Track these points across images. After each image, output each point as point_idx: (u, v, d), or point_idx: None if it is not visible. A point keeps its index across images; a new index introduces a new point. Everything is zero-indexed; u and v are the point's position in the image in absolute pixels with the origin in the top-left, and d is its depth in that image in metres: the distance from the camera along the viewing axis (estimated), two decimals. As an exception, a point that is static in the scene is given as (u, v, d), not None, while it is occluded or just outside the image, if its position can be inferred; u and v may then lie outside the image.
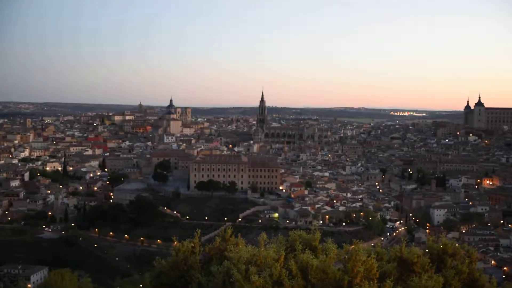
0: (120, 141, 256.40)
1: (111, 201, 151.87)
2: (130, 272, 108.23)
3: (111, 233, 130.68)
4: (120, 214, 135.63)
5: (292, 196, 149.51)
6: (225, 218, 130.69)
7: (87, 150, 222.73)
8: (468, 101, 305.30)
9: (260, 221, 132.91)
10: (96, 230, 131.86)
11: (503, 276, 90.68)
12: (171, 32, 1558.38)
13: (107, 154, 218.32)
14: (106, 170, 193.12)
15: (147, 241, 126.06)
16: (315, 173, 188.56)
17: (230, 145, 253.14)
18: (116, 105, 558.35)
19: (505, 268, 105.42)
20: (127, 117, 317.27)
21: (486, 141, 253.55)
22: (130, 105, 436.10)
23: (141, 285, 73.96)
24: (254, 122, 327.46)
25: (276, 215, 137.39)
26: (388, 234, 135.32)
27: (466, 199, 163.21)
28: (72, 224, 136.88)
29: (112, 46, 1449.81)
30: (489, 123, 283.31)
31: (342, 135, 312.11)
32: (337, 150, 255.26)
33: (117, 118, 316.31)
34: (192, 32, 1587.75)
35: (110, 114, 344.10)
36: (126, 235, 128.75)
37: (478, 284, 11.87)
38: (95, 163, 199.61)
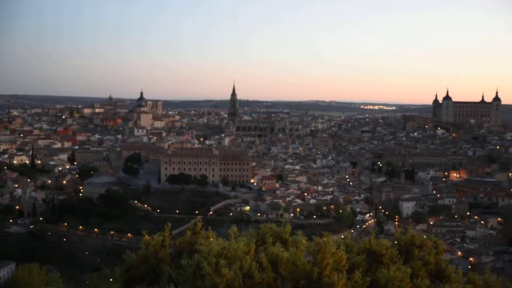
0: (90, 134, 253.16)
1: (81, 194, 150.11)
2: (100, 266, 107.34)
3: (80, 227, 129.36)
4: (89, 207, 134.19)
5: (263, 189, 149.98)
6: (196, 212, 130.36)
7: (56, 143, 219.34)
8: (436, 95, 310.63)
9: (231, 214, 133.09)
10: (65, 224, 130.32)
11: (469, 267, 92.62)
12: (141, 25, 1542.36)
13: (76, 147, 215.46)
14: (75, 163, 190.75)
15: (118, 235, 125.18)
16: (286, 166, 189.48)
17: (201, 138, 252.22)
18: (85, 97, 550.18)
19: (471, 258, 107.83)
20: (97, 110, 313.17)
21: (453, 135, 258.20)
22: (100, 98, 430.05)
23: (111, 279, 73.49)
24: (226, 115, 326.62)
25: (247, 208, 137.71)
26: (358, 226, 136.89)
27: (434, 192, 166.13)
28: (41, 218, 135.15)
29: (81, 38, 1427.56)
30: (457, 117, 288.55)
31: (313, 128, 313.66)
32: (308, 143, 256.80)
33: (87, 110, 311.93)
34: (161, 25, 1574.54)
35: (80, 106, 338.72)
36: (96, 229, 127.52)
37: (444, 275, 12.09)
38: (64, 156, 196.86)
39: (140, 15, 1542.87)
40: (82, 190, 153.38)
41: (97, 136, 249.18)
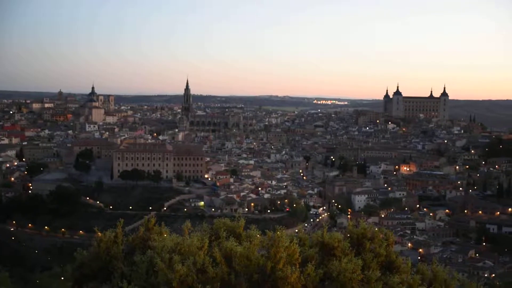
0: (39, 129, 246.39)
1: (30, 192, 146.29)
2: (51, 264, 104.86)
3: (30, 225, 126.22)
4: (39, 205, 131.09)
5: (218, 184, 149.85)
6: (150, 207, 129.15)
7: (3, 139, 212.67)
8: (387, 90, 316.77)
9: (185, 209, 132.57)
10: (14, 222, 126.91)
11: (419, 258, 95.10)
12: (93, 17, 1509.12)
13: (25, 143, 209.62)
14: (24, 160, 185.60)
15: (69, 233, 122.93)
16: (240, 161, 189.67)
17: (155, 134, 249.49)
18: (34, 92, 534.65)
19: (420, 250, 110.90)
20: (46, 105, 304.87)
21: (403, 129, 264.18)
22: (49, 93, 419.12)
23: (62, 278, 71.91)
24: (179, 110, 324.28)
25: (202, 203, 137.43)
26: (312, 220, 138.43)
27: (385, 185, 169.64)
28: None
29: (30, 30, 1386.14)
30: (407, 112, 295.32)
31: (266, 123, 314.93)
32: (262, 138, 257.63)
33: (36, 106, 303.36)
34: (116, 18, 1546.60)
35: (28, 101, 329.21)
36: (46, 227, 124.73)
37: (394, 266, 12.37)
38: (11, 152, 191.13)
39: (94, 7, 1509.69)
40: (31, 187, 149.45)
41: (46, 131, 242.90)
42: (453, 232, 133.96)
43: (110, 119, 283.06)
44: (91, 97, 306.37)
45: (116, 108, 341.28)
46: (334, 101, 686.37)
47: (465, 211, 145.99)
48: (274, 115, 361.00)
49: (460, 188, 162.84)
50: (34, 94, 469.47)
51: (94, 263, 12.37)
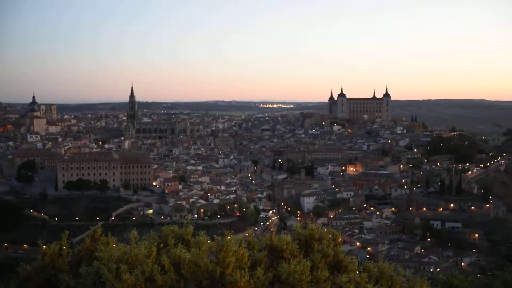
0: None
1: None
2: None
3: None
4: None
5: (166, 191, 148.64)
6: (97, 218, 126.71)
7: None
8: (331, 93, 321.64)
9: (134, 218, 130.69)
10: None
11: (367, 256, 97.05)
12: (31, 23, 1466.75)
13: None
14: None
15: (12, 247, 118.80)
16: (189, 167, 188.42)
17: (100, 142, 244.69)
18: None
19: (368, 248, 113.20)
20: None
21: (349, 130, 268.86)
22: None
23: (6, 294, 69.64)
24: (125, 118, 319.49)
25: (151, 211, 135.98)
26: (262, 223, 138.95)
27: (333, 186, 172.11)
28: None
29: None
30: (351, 113, 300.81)
31: (214, 128, 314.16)
32: (209, 143, 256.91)
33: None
34: (55, 26, 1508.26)
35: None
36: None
37: (342, 265, 12.59)
38: None
39: (30, 12, 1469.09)
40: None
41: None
42: (399, 230, 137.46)
43: (52, 129, 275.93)
44: (32, 107, 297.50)
45: (59, 117, 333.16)
46: (280, 105, 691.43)
47: (410, 208, 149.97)
48: (221, 120, 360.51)
49: (405, 186, 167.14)
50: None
51: (38, 277, 12.02)
